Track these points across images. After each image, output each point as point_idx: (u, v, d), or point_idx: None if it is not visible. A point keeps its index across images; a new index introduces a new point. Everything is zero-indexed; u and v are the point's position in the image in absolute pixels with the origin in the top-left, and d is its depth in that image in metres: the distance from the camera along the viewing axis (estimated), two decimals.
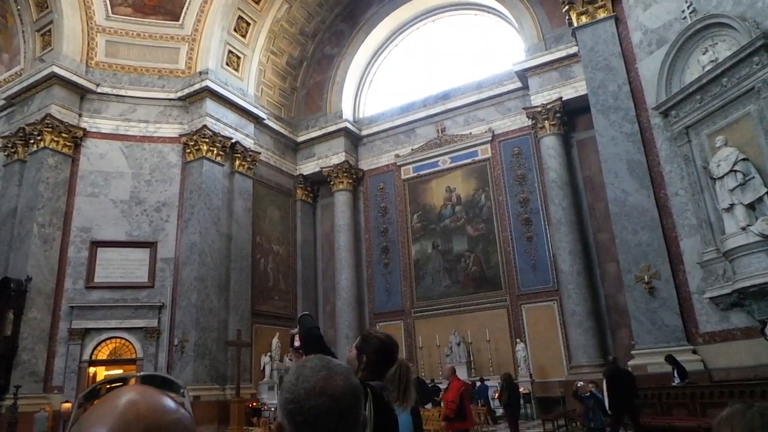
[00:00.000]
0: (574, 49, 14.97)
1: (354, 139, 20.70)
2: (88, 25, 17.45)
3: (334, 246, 19.60)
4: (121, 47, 17.85)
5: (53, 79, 16.17)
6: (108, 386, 0.57)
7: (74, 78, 16.53)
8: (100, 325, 15.09)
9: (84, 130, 16.58)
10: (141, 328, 15.29)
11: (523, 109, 17.18)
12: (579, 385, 9.95)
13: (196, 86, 17.40)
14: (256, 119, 19.05)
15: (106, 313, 15.17)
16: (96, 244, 15.65)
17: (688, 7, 10.52)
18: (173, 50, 18.33)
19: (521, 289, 16.55)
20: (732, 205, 9.18)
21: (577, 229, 15.43)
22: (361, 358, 2.31)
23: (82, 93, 16.82)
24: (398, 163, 19.68)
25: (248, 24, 19.36)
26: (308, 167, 20.78)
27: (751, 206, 8.96)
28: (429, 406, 12.13)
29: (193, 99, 17.54)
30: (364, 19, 21.22)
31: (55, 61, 16.30)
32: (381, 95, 21.56)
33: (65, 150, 16.06)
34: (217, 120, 17.51)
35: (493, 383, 14.50)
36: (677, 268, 10.47)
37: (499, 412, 13.86)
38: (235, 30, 18.95)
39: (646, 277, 10.61)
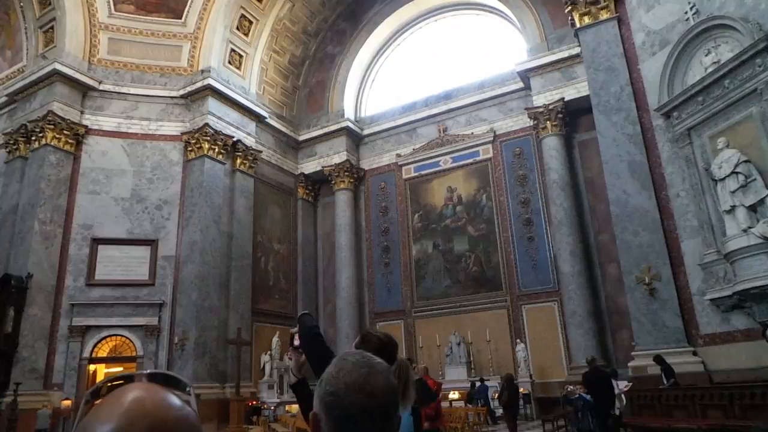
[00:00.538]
0: (576, 50, 14.96)
1: (355, 139, 20.70)
2: (90, 22, 17.46)
3: (334, 245, 19.60)
4: (124, 45, 17.86)
5: (55, 76, 16.19)
6: (114, 383, 0.57)
7: (76, 75, 16.54)
8: (100, 323, 15.10)
9: (86, 127, 16.60)
10: (141, 326, 15.30)
11: (525, 109, 17.17)
12: (569, 389, 9.94)
13: (198, 84, 17.40)
14: (257, 118, 19.05)
15: (107, 311, 15.18)
16: (97, 242, 15.66)
17: (691, 9, 10.50)
18: (175, 48, 18.34)
19: (522, 289, 16.55)
20: (733, 207, 9.17)
21: (578, 229, 15.43)
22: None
23: (84, 90, 16.84)
24: (399, 163, 19.67)
25: (251, 22, 19.36)
26: (309, 166, 20.78)
27: (752, 208, 8.95)
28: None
29: (195, 97, 17.54)
30: (367, 18, 21.22)
31: (58, 58, 16.32)
32: (383, 94, 21.56)
33: (67, 147, 16.07)
34: (219, 118, 17.51)
35: (493, 383, 14.50)
36: (678, 269, 10.46)
37: (499, 412, 13.87)
38: (237, 28, 18.96)
39: (646, 278, 10.61)
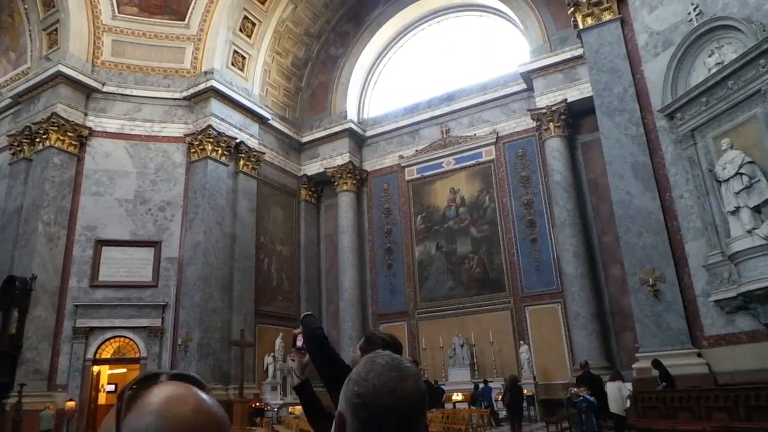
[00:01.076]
0: (579, 51, 14.95)
1: (358, 140, 20.72)
2: (94, 24, 17.52)
3: (337, 246, 19.61)
4: (127, 46, 17.92)
5: (59, 78, 16.25)
6: (140, 384, 0.58)
7: (80, 77, 16.60)
8: (104, 324, 15.13)
9: (89, 129, 16.65)
10: (145, 327, 15.33)
11: (528, 110, 17.17)
12: (573, 390, 9.93)
13: (202, 86, 17.44)
14: (260, 119, 19.09)
15: (111, 312, 15.22)
16: (101, 243, 15.70)
17: (694, 10, 10.49)
18: (179, 50, 18.39)
19: (525, 291, 16.53)
20: (738, 208, 9.15)
21: (581, 231, 15.41)
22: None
23: (87, 92, 16.89)
24: (402, 164, 19.68)
25: (254, 24, 19.40)
26: (312, 168, 20.80)
27: (756, 209, 8.93)
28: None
29: (198, 99, 17.58)
30: (369, 20, 21.25)
31: (62, 60, 16.37)
32: (386, 96, 21.58)
33: (71, 149, 16.12)
34: (222, 120, 17.55)
35: (497, 385, 14.49)
36: (682, 270, 10.43)
37: (503, 414, 13.85)
38: (240, 30, 19.00)
39: (650, 279, 10.58)
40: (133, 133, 17.12)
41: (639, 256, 10.93)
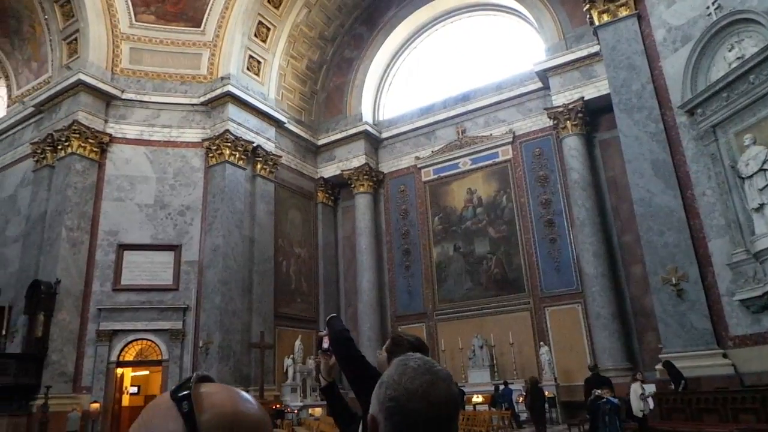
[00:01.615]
0: (595, 48, 14.80)
1: (374, 142, 20.75)
2: (112, 32, 17.81)
3: (355, 248, 19.65)
4: (145, 54, 18.18)
5: (80, 86, 16.54)
6: (183, 386, 0.61)
7: (100, 85, 16.89)
8: (126, 327, 15.36)
9: (110, 135, 16.92)
10: (166, 329, 15.52)
11: (545, 109, 17.04)
12: (596, 393, 9.82)
13: (218, 91, 17.62)
14: (277, 123, 19.23)
15: (133, 315, 15.44)
16: (122, 247, 15.95)
17: (713, 4, 10.32)
18: (195, 56, 18.61)
19: (544, 291, 16.39)
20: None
21: (601, 230, 15.23)
22: (392, 361, 2.30)
23: (107, 99, 17.18)
24: (419, 165, 19.66)
25: (268, 29, 19.56)
26: (329, 170, 20.89)
27: None
28: None
29: (215, 104, 17.77)
30: (383, 22, 21.28)
31: (82, 69, 16.68)
32: (401, 97, 21.58)
33: (92, 155, 16.41)
34: (239, 124, 17.71)
35: (517, 387, 14.38)
36: (706, 269, 10.26)
37: (524, 416, 13.74)
38: (255, 35, 19.17)
39: (673, 279, 10.42)
40: (152, 138, 17.37)
41: (661, 254, 10.78)
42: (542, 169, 17.44)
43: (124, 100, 17.37)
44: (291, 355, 16.88)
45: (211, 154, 17.30)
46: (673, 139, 11.13)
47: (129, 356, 15.52)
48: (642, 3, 12.18)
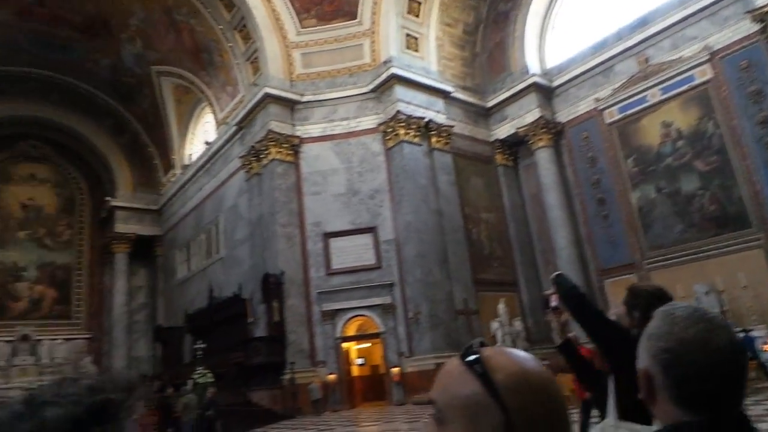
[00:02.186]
0: None
1: (546, 92, 19.72)
2: (284, 44, 19.47)
3: (543, 205, 19.01)
4: (314, 57, 19.58)
5: (267, 98, 18.47)
6: (468, 351, 0.69)
7: (283, 94, 18.68)
8: (343, 306, 16.97)
9: (299, 137, 18.65)
10: (378, 305, 16.81)
11: (746, 13, 14.55)
12: None
13: (384, 76, 18.26)
14: (443, 94, 19.33)
15: (347, 295, 16.99)
16: (327, 236, 17.59)
17: None
18: (357, 47, 19.50)
19: None
20: None
21: None
22: (633, 315, 2.21)
23: (291, 105, 18.91)
24: (599, 108, 18.22)
25: (419, 3, 19.62)
26: (503, 130, 20.42)
27: None
28: None
29: (383, 88, 18.48)
30: None
31: (266, 83, 18.57)
32: (567, 39, 20.07)
33: (288, 158, 18.28)
34: (408, 103, 18.19)
35: (760, 333, 12.77)
36: None
37: None
38: (408, 12, 19.38)
39: None
40: (334, 133, 18.71)
41: None
42: (753, 83, 14.98)
43: (304, 102, 18.96)
44: (497, 319, 17.09)
45: (387, 137, 18.08)
46: None
47: (350, 331, 17.18)
48: None
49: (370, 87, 18.67)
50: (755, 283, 14.22)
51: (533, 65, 19.96)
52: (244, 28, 19.79)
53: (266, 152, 18.31)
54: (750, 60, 15.08)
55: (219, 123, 22.68)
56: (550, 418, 0.68)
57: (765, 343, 12.68)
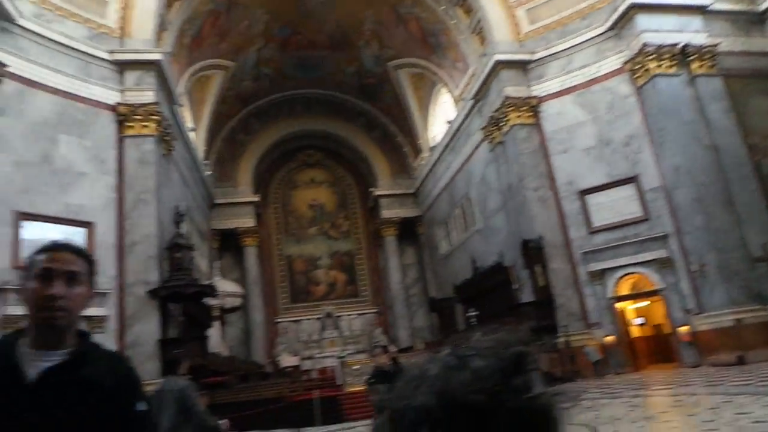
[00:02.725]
0: None
1: None
2: (506, 5, 19.04)
3: None
4: (539, 10, 18.72)
5: (498, 65, 18.39)
6: None
7: (513, 57, 18.41)
8: (611, 265, 16.03)
9: (536, 97, 18.12)
10: (652, 260, 15.41)
11: None
12: None
13: (621, 8, 16.43)
14: (699, 9, 16.48)
15: (614, 253, 16.00)
16: (582, 193, 16.80)
17: None
18: None
19: None
20: None
21: None
22: None
23: (523, 66, 18.48)
24: None
25: None
26: None
27: None
28: None
29: (622, 23, 16.68)
30: None
31: (494, 51, 18.49)
32: None
33: (529, 121, 17.96)
34: (656, 31, 16.06)
35: None
36: None
37: None
38: None
39: None
40: (574, 84, 17.65)
41: None
42: None
43: (536, 60, 18.32)
44: None
45: (636, 75, 16.29)
46: None
47: (623, 290, 16.17)
48: None
49: (608, 25, 17.03)
50: None
51: None
52: (464, 2, 20.00)
53: (506, 119, 18.32)
54: None
55: (456, 100, 23.47)
56: None
57: None
